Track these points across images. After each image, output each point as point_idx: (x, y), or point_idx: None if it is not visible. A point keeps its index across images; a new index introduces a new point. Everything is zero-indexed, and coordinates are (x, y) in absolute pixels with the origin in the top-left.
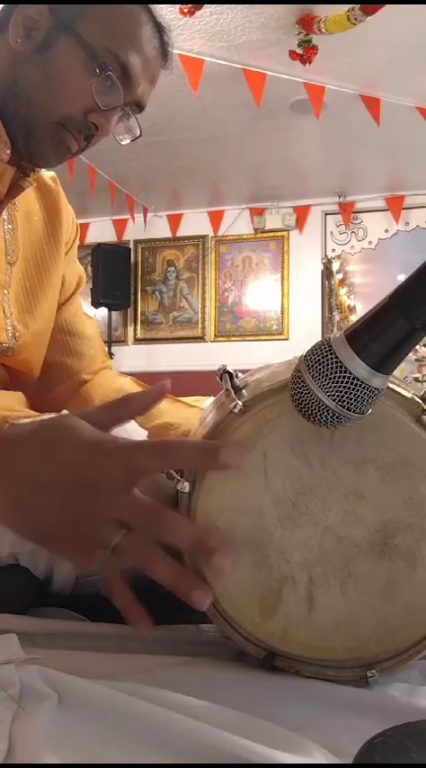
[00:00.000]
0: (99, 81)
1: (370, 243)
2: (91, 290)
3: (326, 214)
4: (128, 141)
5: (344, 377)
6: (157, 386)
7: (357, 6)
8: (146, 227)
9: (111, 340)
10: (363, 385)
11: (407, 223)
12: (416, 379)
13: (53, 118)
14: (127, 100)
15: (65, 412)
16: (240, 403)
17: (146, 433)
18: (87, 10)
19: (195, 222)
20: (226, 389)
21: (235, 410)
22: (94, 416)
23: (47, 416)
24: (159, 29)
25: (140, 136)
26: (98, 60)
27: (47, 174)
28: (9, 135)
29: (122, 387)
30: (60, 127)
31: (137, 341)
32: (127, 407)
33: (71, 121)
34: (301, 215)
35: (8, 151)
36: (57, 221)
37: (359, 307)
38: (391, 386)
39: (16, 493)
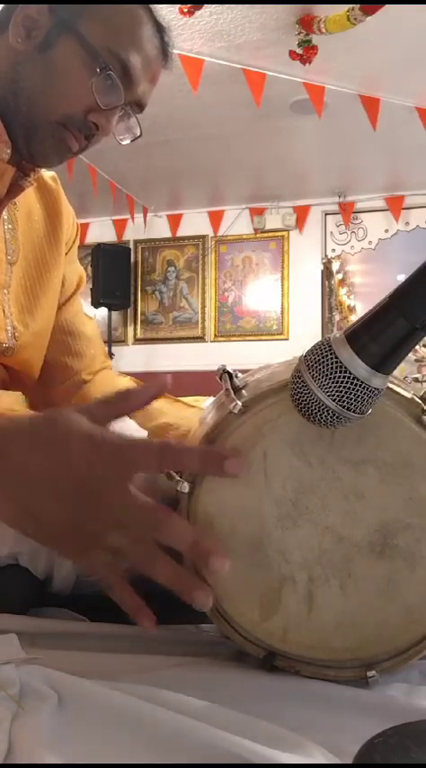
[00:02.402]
0: (99, 80)
1: (370, 243)
2: (91, 290)
3: (326, 214)
4: (128, 141)
5: (344, 377)
6: (157, 382)
7: (357, 6)
8: (146, 227)
9: (111, 340)
10: (363, 385)
11: (407, 223)
12: (416, 380)
13: (54, 117)
14: (127, 99)
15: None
16: (240, 403)
17: (146, 432)
18: (87, 9)
19: (195, 222)
20: (226, 389)
21: (235, 410)
22: (92, 411)
23: (44, 411)
24: (159, 28)
25: (140, 136)
26: (99, 60)
27: (47, 174)
28: (10, 135)
29: (122, 387)
30: (61, 126)
31: (137, 341)
32: (125, 403)
33: (72, 121)
34: (301, 215)
35: (8, 151)
36: (58, 221)
37: (359, 307)
38: (391, 386)
39: (13, 489)
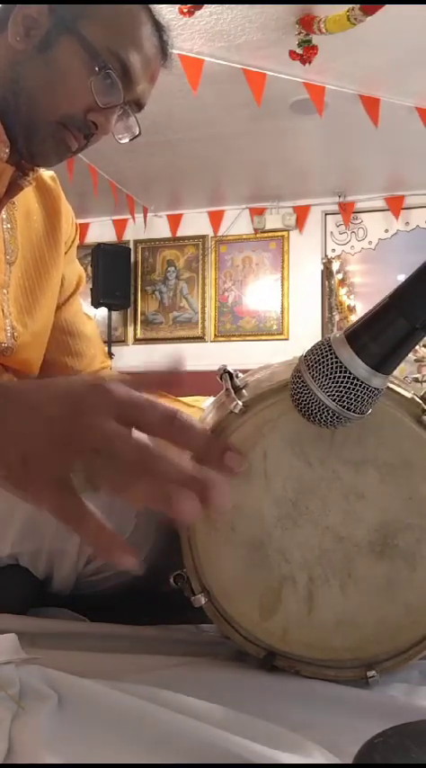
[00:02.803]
0: (99, 79)
1: (370, 243)
2: (91, 290)
3: (326, 214)
4: (127, 140)
5: (344, 377)
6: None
7: (357, 6)
8: (146, 227)
9: (111, 340)
10: (363, 385)
11: (407, 223)
12: (416, 380)
13: (54, 117)
14: (126, 98)
15: None
16: (240, 403)
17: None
18: (87, 9)
19: (195, 222)
20: (227, 389)
21: (236, 410)
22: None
23: None
24: (158, 28)
25: (139, 135)
26: (98, 59)
27: (46, 174)
28: (9, 134)
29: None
30: (61, 126)
31: (137, 341)
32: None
33: (71, 120)
34: (301, 215)
35: (7, 150)
36: (57, 221)
37: (359, 307)
38: (391, 386)
39: (10, 415)
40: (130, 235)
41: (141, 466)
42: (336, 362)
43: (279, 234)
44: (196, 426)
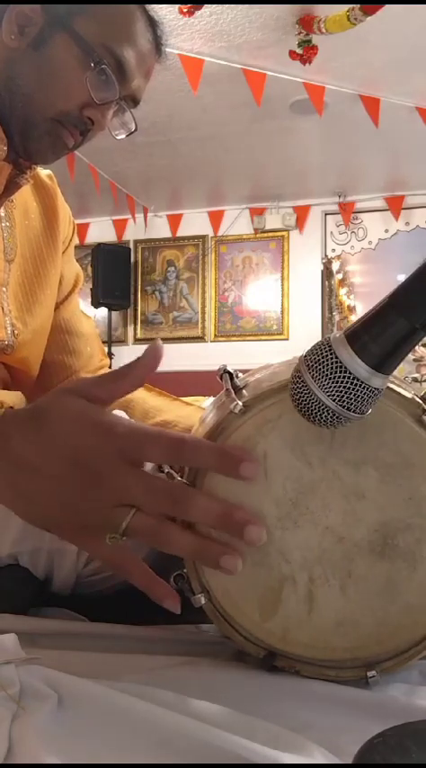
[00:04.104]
0: (94, 75)
1: (370, 243)
2: (91, 290)
3: (326, 214)
4: (123, 136)
5: (344, 377)
6: (150, 347)
7: (357, 6)
8: (147, 227)
9: (111, 340)
10: (363, 385)
11: (407, 223)
12: (415, 380)
13: (50, 114)
14: (122, 94)
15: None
16: (240, 403)
17: None
18: (81, 6)
19: (195, 222)
20: (227, 389)
21: (236, 410)
22: (90, 391)
23: (42, 398)
24: (152, 23)
25: (136, 130)
26: (93, 55)
27: (43, 172)
28: (6, 132)
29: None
30: (57, 123)
31: (138, 341)
32: (125, 379)
33: (67, 117)
34: (301, 215)
35: (5, 148)
36: (54, 219)
37: (359, 307)
38: (391, 386)
39: (17, 478)
40: (130, 235)
41: (170, 509)
42: (336, 362)
43: (279, 234)
44: (205, 444)
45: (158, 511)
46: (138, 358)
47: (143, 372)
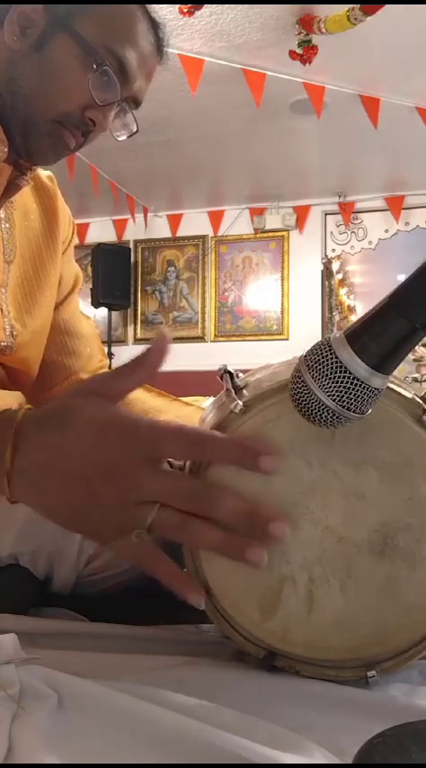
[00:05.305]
0: (96, 77)
1: (370, 243)
2: (91, 290)
3: (326, 214)
4: (125, 137)
5: (344, 377)
6: (158, 332)
7: (357, 6)
8: (147, 227)
9: (111, 340)
10: (363, 385)
11: (407, 223)
12: (415, 380)
13: (51, 115)
14: (123, 95)
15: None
16: (241, 403)
17: None
18: (82, 7)
19: (195, 222)
20: (227, 389)
21: (236, 410)
22: (109, 387)
23: (61, 399)
24: (154, 25)
25: (137, 132)
26: (95, 56)
27: (43, 173)
28: (7, 133)
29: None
30: (58, 124)
31: (138, 341)
32: (136, 372)
33: (69, 118)
34: (301, 215)
35: (5, 149)
36: (54, 220)
37: (359, 307)
38: (391, 386)
39: (39, 479)
40: (130, 235)
41: (196, 508)
42: (336, 362)
43: (279, 234)
44: (225, 439)
45: (184, 508)
46: (148, 348)
47: (157, 358)
